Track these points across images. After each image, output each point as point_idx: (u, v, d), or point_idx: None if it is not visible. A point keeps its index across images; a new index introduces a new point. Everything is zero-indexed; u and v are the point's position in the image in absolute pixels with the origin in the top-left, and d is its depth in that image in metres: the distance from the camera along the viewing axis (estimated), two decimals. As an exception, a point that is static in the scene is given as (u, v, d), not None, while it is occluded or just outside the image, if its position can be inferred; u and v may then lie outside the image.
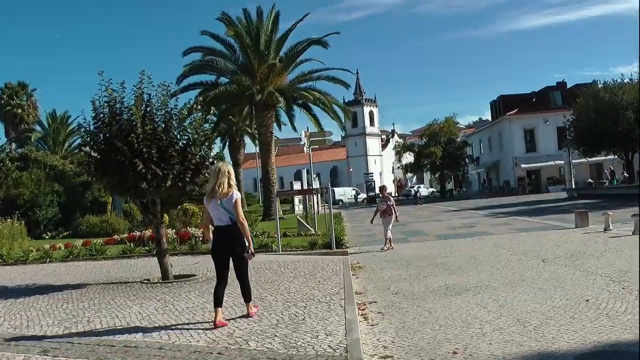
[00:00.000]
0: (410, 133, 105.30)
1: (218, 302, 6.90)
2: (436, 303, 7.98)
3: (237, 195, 7.01)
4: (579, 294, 7.85)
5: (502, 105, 60.95)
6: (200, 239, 17.06)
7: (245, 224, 7.01)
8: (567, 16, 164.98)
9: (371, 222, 17.08)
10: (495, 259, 12.03)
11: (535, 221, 21.41)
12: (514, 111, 58.75)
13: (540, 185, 56.98)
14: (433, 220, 27.40)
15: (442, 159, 58.72)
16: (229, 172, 7.07)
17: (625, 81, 38.65)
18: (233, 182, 7.08)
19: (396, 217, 16.00)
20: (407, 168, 66.39)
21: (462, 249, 14.34)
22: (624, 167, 41.45)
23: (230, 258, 7.06)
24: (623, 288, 8.01)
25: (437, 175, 65.29)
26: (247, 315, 7.22)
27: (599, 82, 40.84)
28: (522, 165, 56.60)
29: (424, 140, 62.15)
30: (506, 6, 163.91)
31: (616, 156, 40.75)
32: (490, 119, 69.69)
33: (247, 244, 7.01)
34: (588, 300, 7.43)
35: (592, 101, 37.34)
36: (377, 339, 6.28)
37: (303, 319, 6.99)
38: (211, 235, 7.16)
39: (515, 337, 5.94)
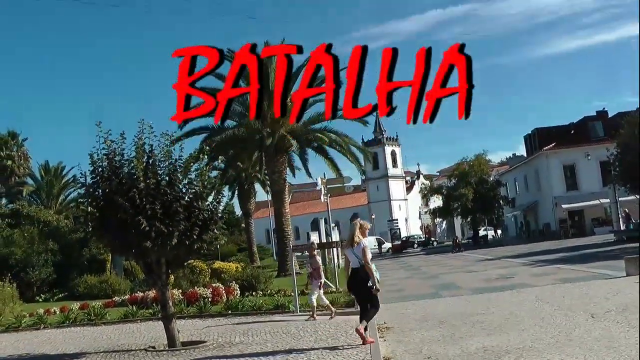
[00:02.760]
0: (438, 173, 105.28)
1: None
2: (474, 369, 7.90)
3: (364, 244, 9.76)
4: (634, 356, 7.74)
5: (538, 139, 60.64)
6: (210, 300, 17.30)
7: (371, 266, 9.73)
8: (603, 36, 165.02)
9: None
10: (538, 316, 11.92)
11: (581, 270, 21.16)
12: (551, 145, 58.25)
13: (584, 227, 56.12)
14: (467, 271, 27.19)
15: (473, 202, 58.26)
16: (361, 226, 9.94)
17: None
18: (361, 233, 9.88)
19: (311, 281, 15.52)
20: (435, 212, 66.12)
21: (501, 304, 14.23)
22: None
23: (360, 291, 9.91)
24: (684, 347, 7.89)
25: (468, 220, 64.78)
26: (358, 333, 9.68)
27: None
28: (563, 206, 56.04)
29: (453, 181, 61.85)
30: (535, 30, 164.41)
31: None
32: (525, 154, 69.57)
33: (373, 282, 9.65)
34: (645, 362, 7.33)
35: (637, 130, 37.13)
36: (410, 413, 6.22)
37: (326, 390, 6.94)
38: None
39: (565, 407, 5.87)
